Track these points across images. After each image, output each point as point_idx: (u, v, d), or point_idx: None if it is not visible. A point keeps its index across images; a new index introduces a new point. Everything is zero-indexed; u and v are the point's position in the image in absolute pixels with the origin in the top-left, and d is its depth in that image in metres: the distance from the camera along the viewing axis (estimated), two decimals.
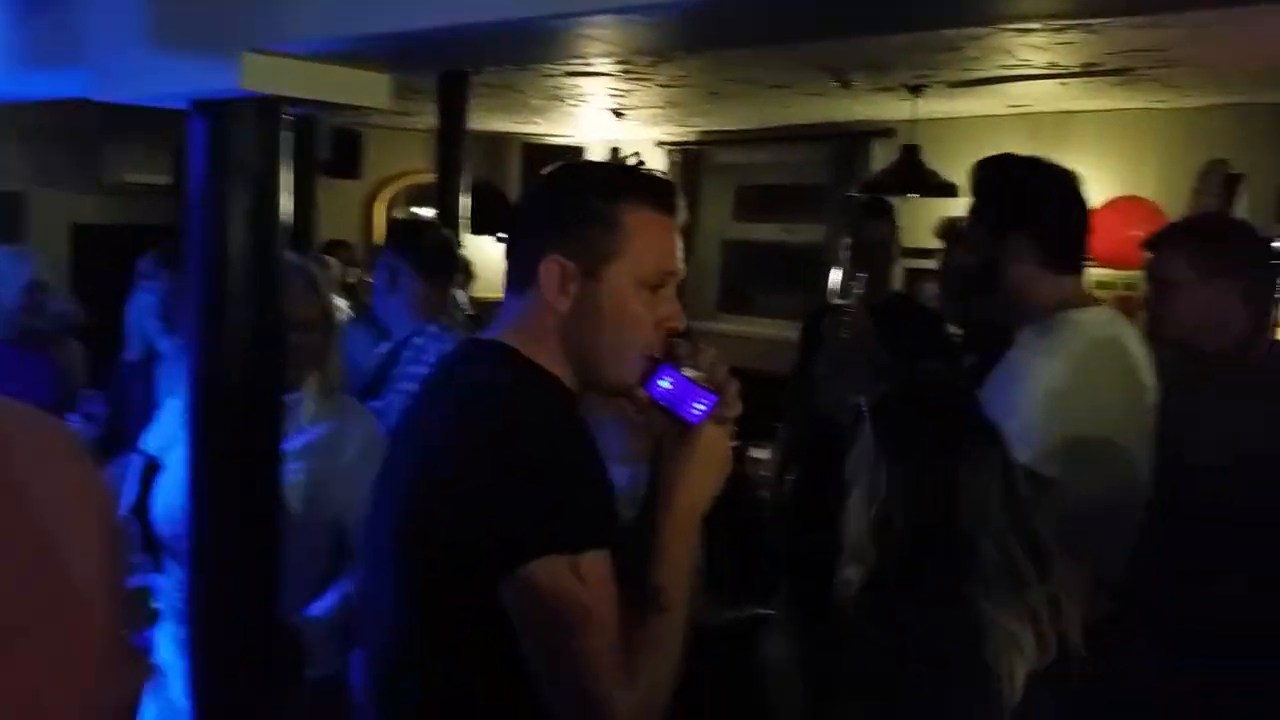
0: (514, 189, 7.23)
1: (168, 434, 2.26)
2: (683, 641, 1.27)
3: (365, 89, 1.99)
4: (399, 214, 7.12)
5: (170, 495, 2.08)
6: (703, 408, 1.29)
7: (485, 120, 6.27)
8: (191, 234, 2.03)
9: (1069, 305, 2.00)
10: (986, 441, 1.48)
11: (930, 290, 5.96)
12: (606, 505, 1.30)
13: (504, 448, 1.24)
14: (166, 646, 2.18)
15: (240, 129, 1.93)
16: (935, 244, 5.72)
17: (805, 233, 6.70)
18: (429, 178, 5.67)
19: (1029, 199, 2.07)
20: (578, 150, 6.95)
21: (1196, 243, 2.20)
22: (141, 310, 2.96)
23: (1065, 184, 2.08)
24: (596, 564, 1.20)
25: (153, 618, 2.23)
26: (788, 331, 3.99)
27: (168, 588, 2.13)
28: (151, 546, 2.15)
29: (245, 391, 1.98)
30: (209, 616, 1.95)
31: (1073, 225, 2.05)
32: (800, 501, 3.53)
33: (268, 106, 1.91)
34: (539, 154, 6.92)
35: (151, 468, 2.22)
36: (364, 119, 6.58)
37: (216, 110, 1.93)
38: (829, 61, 4.10)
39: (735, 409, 1.33)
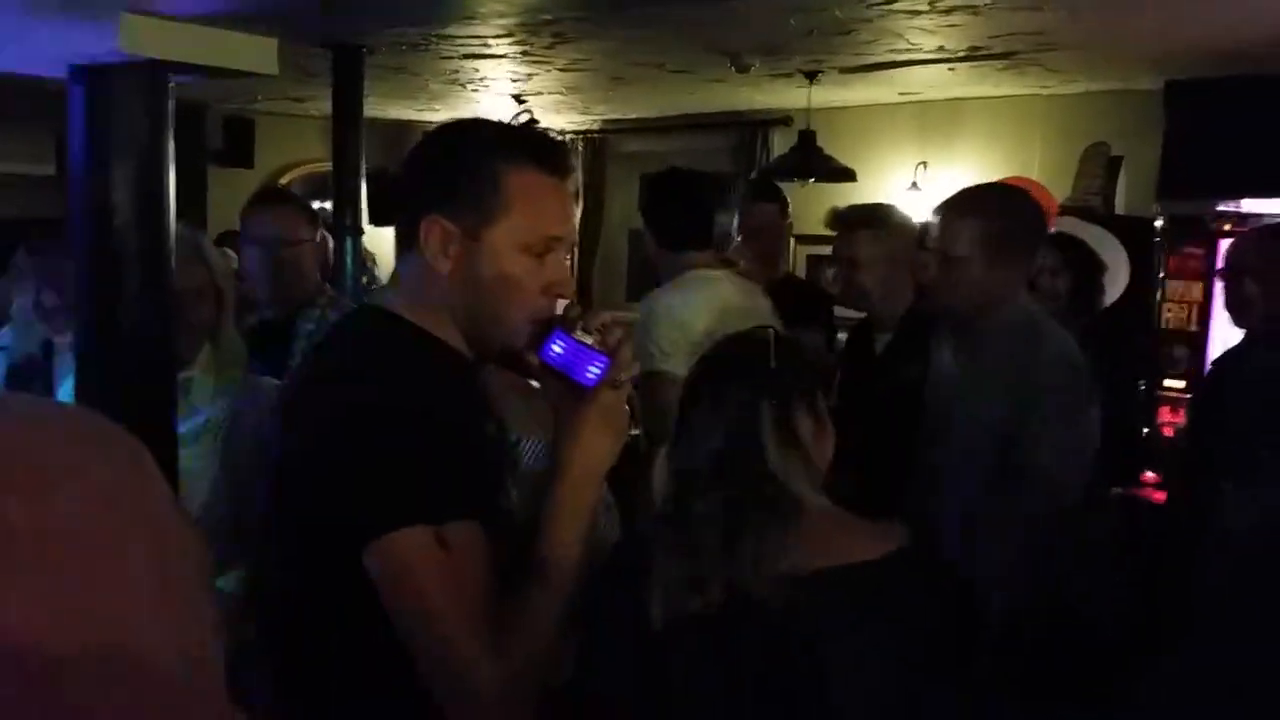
0: None
1: None
2: (566, 616, 1.24)
3: (253, 54, 1.94)
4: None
5: None
6: (596, 371, 1.25)
7: (384, 107, 6.17)
8: (74, 212, 1.95)
9: (687, 270, 2.55)
10: (753, 393, 1.43)
11: (832, 275, 6.11)
12: (485, 474, 1.27)
13: (366, 415, 1.20)
14: None
15: (123, 97, 1.86)
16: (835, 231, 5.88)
17: None
18: (325, 167, 5.55)
19: (646, 202, 2.76)
20: None
21: (977, 213, 2.20)
22: (22, 313, 2.82)
23: (672, 189, 2.70)
24: (464, 533, 1.16)
25: None
26: None
27: None
28: None
29: (136, 374, 1.91)
30: None
31: (672, 218, 2.64)
32: None
33: (151, 73, 1.85)
34: None
35: None
36: (256, 105, 6.42)
37: (97, 77, 1.87)
38: (727, 45, 4.15)
39: (629, 371, 1.29)
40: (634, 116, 6.56)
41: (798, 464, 1.39)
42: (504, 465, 1.33)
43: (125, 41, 1.73)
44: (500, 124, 1.35)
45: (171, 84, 1.95)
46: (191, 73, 1.93)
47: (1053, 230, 4.23)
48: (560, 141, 1.39)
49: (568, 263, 1.37)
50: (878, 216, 2.92)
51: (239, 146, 6.50)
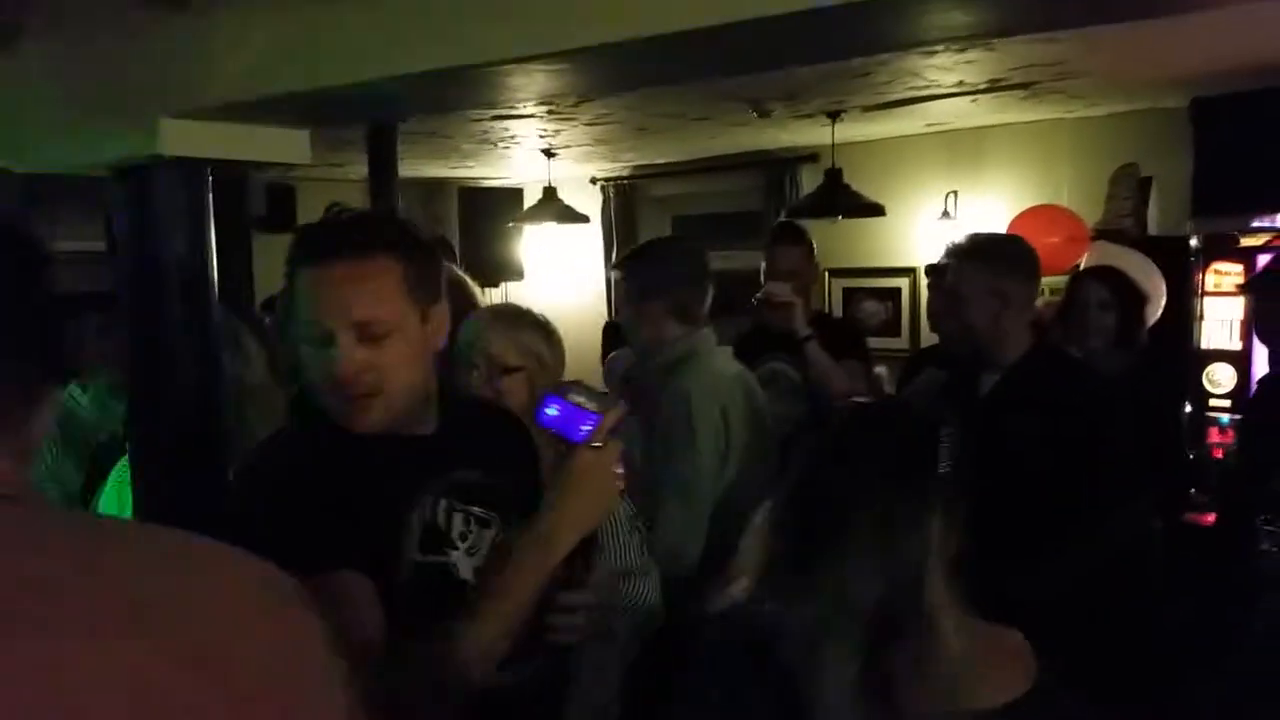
0: (453, 232, 7.27)
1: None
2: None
3: (286, 146, 2.04)
4: None
5: None
6: (588, 428, 1.31)
7: (419, 167, 6.32)
8: (123, 299, 2.05)
9: None
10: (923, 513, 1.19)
11: (869, 308, 6.13)
12: (345, 532, 1.31)
13: (245, 477, 1.49)
14: None
15: (165, 193, 1.97)
16: (869, 263, 5.91)
17: (742, 259, 6.81)
18: None
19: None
20: (514, 191, 7.01)
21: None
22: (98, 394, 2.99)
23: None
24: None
25: None
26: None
27: None
28: None
29: (187, 456, 2.00)
30: None
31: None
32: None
33: (191, 169, 1.95)
34: (475, 196, 6.97)
35: None
36: (296, 172, 6.60)
37: (140, 175, 1.97)
38: (747, 93, 4.22)
39: (604, 432, 1.31)
40: (662, 161, 6.65)
41: (951, 600, 1.14)
42: (397, 527, 1.39)
43: (165, 144, 1.83)
44: (304, 229, 1.43)
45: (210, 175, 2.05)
46: (230, 166, 2.03)
47: (1086, 257, 4.25)
48: (330, 223, 1.40)
49: (353, 346, 1.33)
50: (989, 247, 2.68)
51: (281, 211, 6.67)
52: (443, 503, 1.44)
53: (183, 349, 1.97)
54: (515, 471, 1.55)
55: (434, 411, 1.47)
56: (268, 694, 0.65)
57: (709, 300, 2.53)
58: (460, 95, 1.92)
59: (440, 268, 1.46)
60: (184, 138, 1.85)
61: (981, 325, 2.50)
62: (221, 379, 2.04)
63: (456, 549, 1.44)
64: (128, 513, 2.12)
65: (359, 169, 5.66)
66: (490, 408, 1.78)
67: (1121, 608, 2.42)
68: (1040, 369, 2.50)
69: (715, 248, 7.31)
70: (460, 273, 3.33)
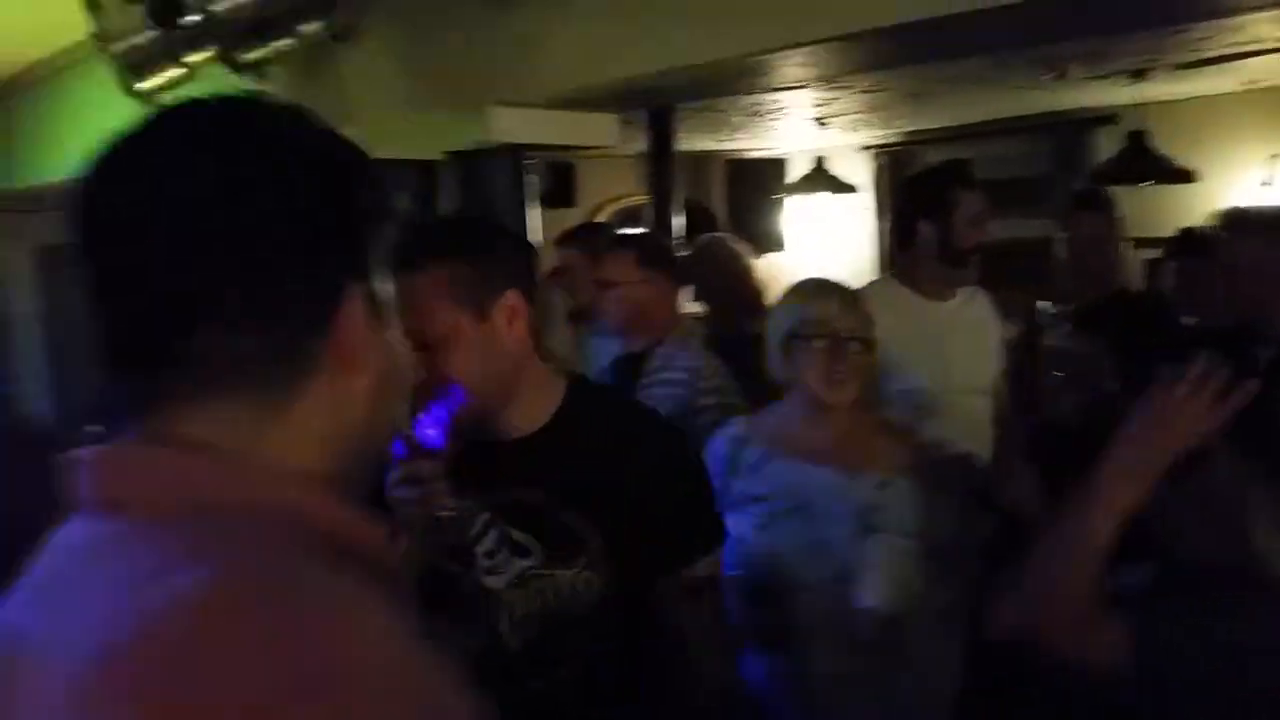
0: (719, 205, 7.37)
1: None
2: None
3: (593, 130, 2.17)
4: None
5: None
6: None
7: (689, 141, 6.43)
8: None
9: None
10: None
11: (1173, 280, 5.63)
12: None
13: None
14: None
15: (491, 174, 2.14)
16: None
17: (1029, 228, 6.46)
18: (637, 200, 5.88)
19: None
20: (778, 162, 7.01)
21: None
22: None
23: None
24: None
25: None
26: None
27: None
28: None
29: None
30: None
31: None
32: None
33: (513, 152, 2.11)
34: (741, 168, 7.03)
35: None
36: (575, 151, 6.90)
37: (468, 159, 2.16)
38: (1043, 56, 3.99)
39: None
40: (937, 126, 6.41)
41: None
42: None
43: (494, 131, 1.99)
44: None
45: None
46: (544, 150, 2.19)
47: None
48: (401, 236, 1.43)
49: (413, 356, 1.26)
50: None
51: (563, 189, 7.00)
52: (484, 516, 1.43)
53: None
54: (615, 498, 1.43)
55: (532, 412, 1.45)
56: None
57: None
58: (738, 81, 1.96)
59: (512, 255, 1.44)
60: (510, 125, 2.00)
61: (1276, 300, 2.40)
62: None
63: (475, 566, 1.43)
64: None
65: (632, 144, 5.86)
66: (644, 419, 1.64)
67: None
68: None
69: (996, 216, 7.04)
70: (732, 244, 3.30)
